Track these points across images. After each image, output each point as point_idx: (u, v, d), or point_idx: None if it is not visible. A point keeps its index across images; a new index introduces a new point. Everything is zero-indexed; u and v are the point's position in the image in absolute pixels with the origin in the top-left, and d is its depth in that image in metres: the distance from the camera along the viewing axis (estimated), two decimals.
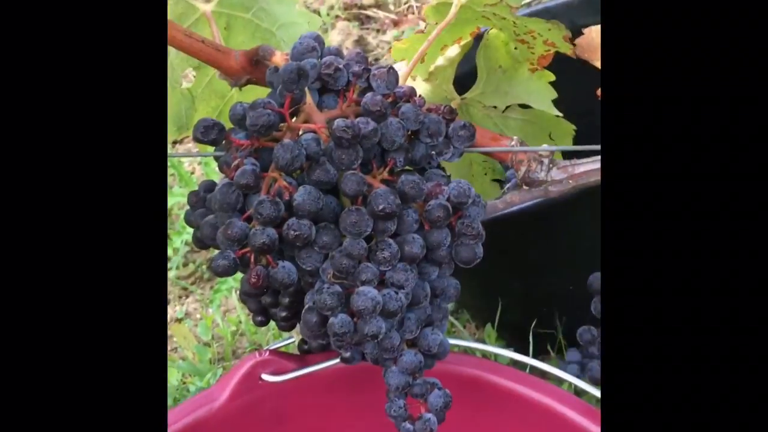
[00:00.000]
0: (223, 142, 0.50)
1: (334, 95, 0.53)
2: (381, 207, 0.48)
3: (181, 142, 1.57)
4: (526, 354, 1.04)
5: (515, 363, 0.71)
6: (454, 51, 0.69)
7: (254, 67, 0.53)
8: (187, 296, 1.38)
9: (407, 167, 0.53)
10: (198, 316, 1.33)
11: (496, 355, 0.69)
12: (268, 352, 0.66)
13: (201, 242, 0.57)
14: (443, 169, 0.56)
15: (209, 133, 0.49)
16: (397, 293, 0.51)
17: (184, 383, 0.97)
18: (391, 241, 0.51)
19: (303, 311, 0.54)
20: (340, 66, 0.52)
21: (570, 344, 1.06)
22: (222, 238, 0.50)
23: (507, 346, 1.04)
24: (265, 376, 0.66)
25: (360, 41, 1.75)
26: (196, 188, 0.57)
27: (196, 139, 0.49)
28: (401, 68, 0.69)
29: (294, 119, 0.51)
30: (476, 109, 0.70)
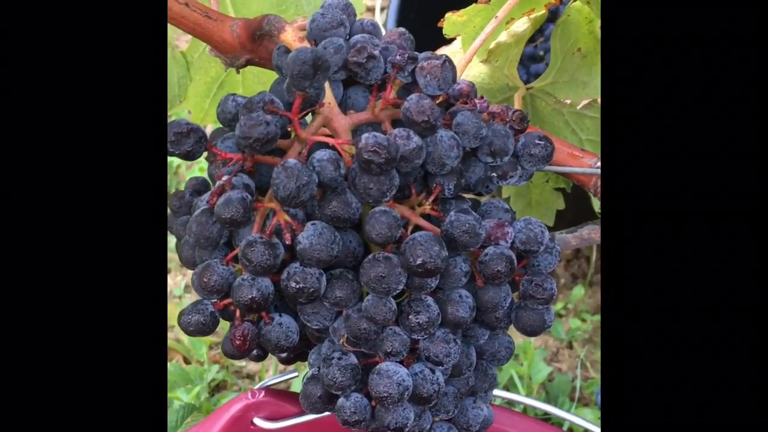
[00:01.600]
0: (205, 154, 0.36)
1: (363, 90, 0.39)
2: (420, 261, 0.34)
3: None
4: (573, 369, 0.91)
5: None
6: (522, 25, 0.53)
7: (257, 43, 0.39)
8: None
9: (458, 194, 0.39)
10: None
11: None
12: (263, 392, 0.53)
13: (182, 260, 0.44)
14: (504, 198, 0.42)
15: (182, 143, 0.34)
16: (433, 372, 0.38)
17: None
18: (429, 300, 0.37)
19: (304, 380, 0.40)
20: (375, 52, 0.37)
21: None
22: (197, 285, 0.36)
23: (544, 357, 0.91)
24: (259, 421, 0.53)
25: None
26: None
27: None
28: (454, 52, 0.54)
29: (306, 125, 0.37)
30: (545, 102, 0.55)
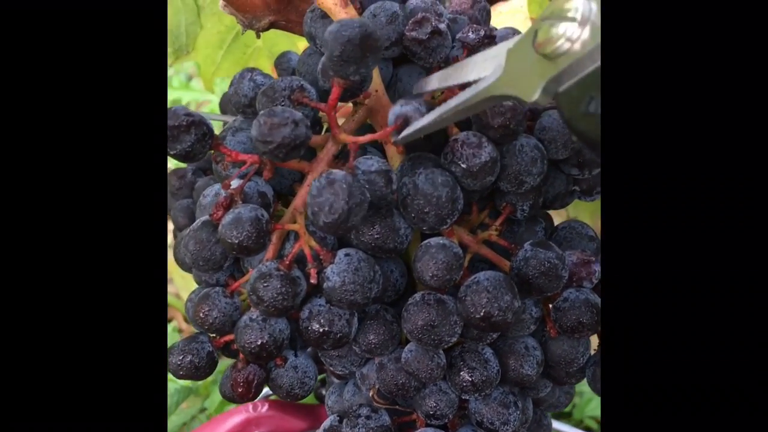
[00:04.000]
0: (212, 154, 0.27)
1: (420, 72, 0.30)
2: (484, 312, 0.26)
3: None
4: None
5: None
6: None
7: (285, 2, 0.30)
8: None
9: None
10: None
11: None
12: (266, 404, 0.46)
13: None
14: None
15: (180, 140, 0.25)
16: None
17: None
18: (488, 352, 0.29)
19: (321, 429, 0.32)
20: (441, 27, 0.28)
21: None
22: (192, 317, 0.28)
23: None
24: None
25: None
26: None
27: None
28: (514, 11, 0.45)
29: (346, 116, 0.28)
30: None
